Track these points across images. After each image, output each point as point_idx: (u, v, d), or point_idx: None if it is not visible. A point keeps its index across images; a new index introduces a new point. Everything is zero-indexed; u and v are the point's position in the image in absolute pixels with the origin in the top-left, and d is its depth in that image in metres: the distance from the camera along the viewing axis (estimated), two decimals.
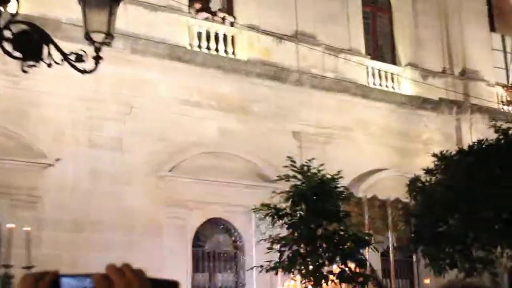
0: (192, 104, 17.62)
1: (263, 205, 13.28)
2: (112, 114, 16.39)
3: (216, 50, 18.54)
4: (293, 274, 12.49)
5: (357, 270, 12.42)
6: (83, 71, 7.80)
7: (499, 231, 12.92)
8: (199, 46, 18.31)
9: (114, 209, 15.85)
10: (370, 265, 12.80)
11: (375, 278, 13.51)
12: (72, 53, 7.61)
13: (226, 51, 18.71)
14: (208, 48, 18.43)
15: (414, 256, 15.86)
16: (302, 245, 12.35)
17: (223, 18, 19.17)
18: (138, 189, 16.32)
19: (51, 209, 15.23)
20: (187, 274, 16.36)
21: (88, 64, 7.73)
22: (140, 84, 16.90)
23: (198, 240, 17.34)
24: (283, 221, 12.69)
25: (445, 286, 1.80)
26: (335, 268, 12.46)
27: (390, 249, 15.02)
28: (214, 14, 19.19)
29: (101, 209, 15.66)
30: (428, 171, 14.48)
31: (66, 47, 7.82)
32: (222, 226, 17.74)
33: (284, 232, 13.03)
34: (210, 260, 17.43)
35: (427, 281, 14.53)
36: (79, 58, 7.67)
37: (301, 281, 12.52)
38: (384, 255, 16.71)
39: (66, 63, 7.67)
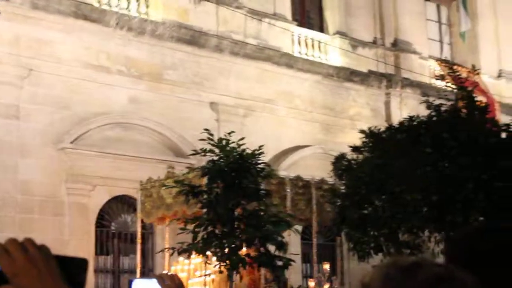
0: (99, 69, 17.45)
1: (176, 181, 13.32)
2: (8, 77, 16.07)
3: (127, 9, 18.35)
4: (207, 257, 12.60)
5: (277, 253, 12.65)
6: None
7: (427, 214, 13.32)
8: (108, 4, 18.07)
9: (8, 183, 15.63)
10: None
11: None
12: None
13: (138, 11, 18.54)
14: (118, 6, 18.22)
15: (338, 240, 16.24)
16: (218, 226, 12.46)
17: None
18: (36, 162, 16.11)
19: None
20: (90, 257, 16.26)
21: None
22: (40, 45, 16.62)
23: (102, 219, 17.29)
24: (198, 199, 12.77)
25: (389, 265, 1.74)
26: (253, 251, 12.63)
27: (313, 232, 15.31)
28: None
29: None
30: (355, 149, 14.71)
31: None
32: (129, 205, 17.69)
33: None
34: (115, 242, 17.42)
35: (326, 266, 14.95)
36: None
37: (215, 265, 12.65)
38: (304, 238, 17.05)
39: None
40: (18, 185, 15.82)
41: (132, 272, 16.16)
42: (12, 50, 16.14)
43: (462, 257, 2.13)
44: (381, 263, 1.78)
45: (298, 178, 15.52)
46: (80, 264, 1.63)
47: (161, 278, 2.59)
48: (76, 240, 16.30)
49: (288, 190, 15.03)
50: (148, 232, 17.57)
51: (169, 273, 2.68)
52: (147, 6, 18.76)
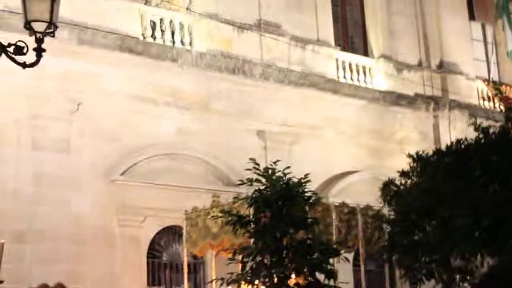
0: (146, 101, 17.59)
1: (223, 211, 13.32)
2: (58, 112, 16.28)
3: (172, 41, 18.52)
4: (256, 287, 12.55)
5: (326, 282, 12.54)
6: (24, 65, 7.74)
7: (479, 238, 13.08)
8: (153, 37, 18.27)
9: (61, 217, 15.77)
10: None
11: None
12: (10, 44, 7.54)
13: (182, 42, 18.70)
14: (162, 38, 18.40)
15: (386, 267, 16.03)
16: (266, 255, 12.41)
17: None
18: (87, 195, 16.26)
19: None
20: None
21: (29, 56, 7.65)
22: (88, 79, 16.82)
23: (153, 250, 17.34)
24: (246, 229, 12.74)
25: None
26: (302, 280, 12.54)
27: (361, 260, 15.13)
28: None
29: (46, 217, 15.57)
30: (403, 174, 14.57)
31: (4, 37, 7.76)
32: (179, 235, 17.69)
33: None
34: (167, 273, 17.43)
35: None
36: (19, 50, 7.58)
37: None
38: (356, 265, 16.86)
39: (4, 56, 7.60)
40: (70, 218, 15.96)
41: None
42: (60, 85, 16.35)
43: None
44: None
45: (344, 204, 15.40)
46: None
47: None
48: (128, 271, 16.39)
49: (334, 216, 14.91)
50: (199, 262, 17.58)
51: None
52: (191, 37, 18.89)
